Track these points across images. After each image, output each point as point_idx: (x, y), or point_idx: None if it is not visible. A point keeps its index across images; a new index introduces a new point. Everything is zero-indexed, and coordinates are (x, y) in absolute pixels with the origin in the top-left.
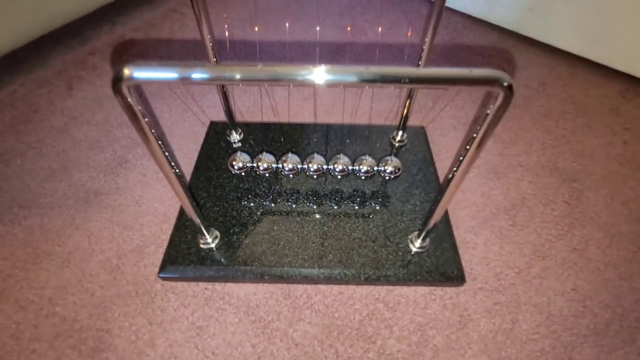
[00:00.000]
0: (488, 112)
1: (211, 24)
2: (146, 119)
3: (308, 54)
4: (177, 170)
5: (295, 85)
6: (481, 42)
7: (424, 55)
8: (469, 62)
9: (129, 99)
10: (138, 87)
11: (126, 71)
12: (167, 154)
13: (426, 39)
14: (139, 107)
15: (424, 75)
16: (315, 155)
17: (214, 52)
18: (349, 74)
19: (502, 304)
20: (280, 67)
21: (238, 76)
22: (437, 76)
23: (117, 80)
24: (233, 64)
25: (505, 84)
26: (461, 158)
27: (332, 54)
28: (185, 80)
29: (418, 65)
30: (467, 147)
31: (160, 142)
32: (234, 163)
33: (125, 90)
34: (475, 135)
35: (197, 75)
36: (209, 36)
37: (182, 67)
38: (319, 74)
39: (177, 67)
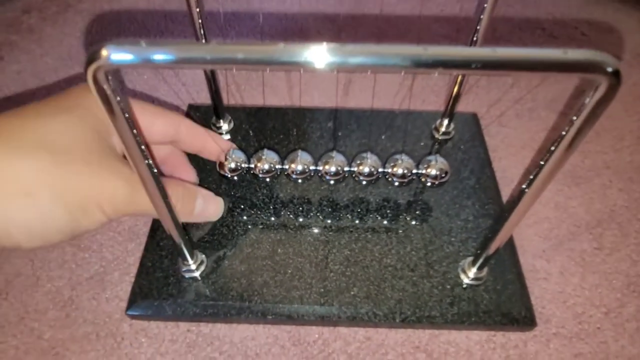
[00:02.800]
0: (586, 102)
1: None
2: (126, 115)
3: (302, 26)
4: (155, 170)
5: (316, 71)
6: None
7: (485, 15)
8: (535, 22)
9: (106, 88)
10: (117, 72)
11: (104, 52)
12: (144, 149)
13: None
14: (119, 98)
15: (501, 58)
16: (335, 154)
17: (201, 23)
18: (394, 55)
19: (586, 356)
20: (307, 48)
21: (264, 57)
22: (517, 60)
23: (92, 62)
24: (247, 43)
25: (610, 69)
26: (542, 163)
27: (336, 26)
28: (184, 64)
29: (473, 41)
30: (552, 148)
31: (142, 144)
32: (227, 163)
33: (102, 76)
34: (564, 133)
35: (203, 56)
36: (199, 21)
37: (181, 46)
38: (343, 56)
39: (176, 47)
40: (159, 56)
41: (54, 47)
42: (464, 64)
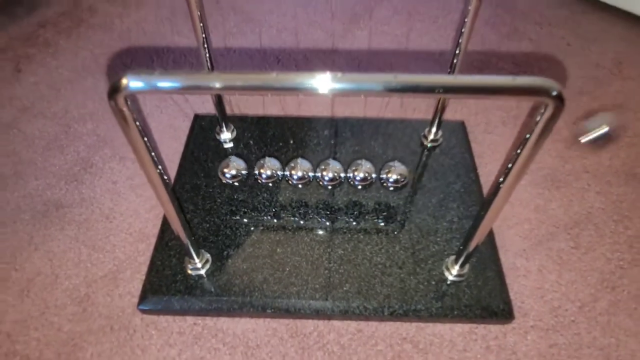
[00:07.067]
0: (536, 121)
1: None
2: (142, 133)
3: (295, 59)
4: (166, 177)
5: (306, 95)
6: (541, 7)
7: (465, 29)
8: (523, 33)
9: (126, 111)
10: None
11: (124, 81)
12: (156, 160)
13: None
14: (136, 118)
15: (459, 84)
16: (331, 161)
17: (208, 53)
18: (371, 82)
19: (560, 347)
20: (298, 75)
21: (260, 84)
22: (474, 86)
23: (115, 91)
24: (244, 72)
25: (554, 93)
26: (510, 165)
27: (322, 57)
28: (191, 91)
29: (454, 59)
30: (510, 165)
31: (154, 155)
32: (225, 170)
33: (121, 101)
34: (518, 151)
35: (209, 84)
36: (203, 36)
37: (189, 76)
38: (333, 83)
39: (185, 77)
40: (172, 85)
41: (69, 60)
42: (429, 89)
